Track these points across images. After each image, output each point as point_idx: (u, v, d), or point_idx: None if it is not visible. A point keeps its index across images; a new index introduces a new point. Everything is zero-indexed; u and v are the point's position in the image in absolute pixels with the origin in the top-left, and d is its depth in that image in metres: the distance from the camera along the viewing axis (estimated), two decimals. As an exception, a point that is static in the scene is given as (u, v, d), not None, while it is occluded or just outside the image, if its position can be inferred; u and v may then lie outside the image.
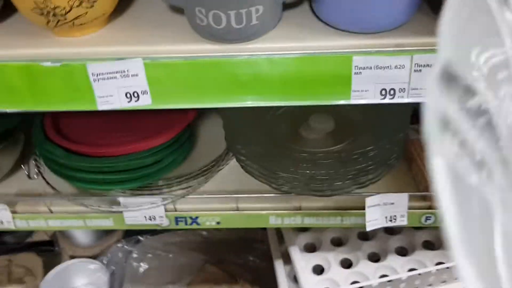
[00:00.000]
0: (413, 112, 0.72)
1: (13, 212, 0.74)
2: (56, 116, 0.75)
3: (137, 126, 0.73)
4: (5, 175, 0.78)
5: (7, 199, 0.74)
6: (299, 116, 0.77)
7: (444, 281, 0.81)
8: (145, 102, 0.53)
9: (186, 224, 0.74)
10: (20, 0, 0.49)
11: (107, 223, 0.75)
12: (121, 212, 0.72)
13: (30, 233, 1.12)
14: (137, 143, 0.67)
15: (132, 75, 0.51)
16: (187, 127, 0.73)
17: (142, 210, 0.71)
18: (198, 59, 0.50)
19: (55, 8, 0.48)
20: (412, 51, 0.49)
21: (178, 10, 0.55)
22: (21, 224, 0.75)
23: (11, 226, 0.75)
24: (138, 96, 0.53)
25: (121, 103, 0.53)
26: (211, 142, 0.79)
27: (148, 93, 0.52)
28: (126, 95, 0.53)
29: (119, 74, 0.51)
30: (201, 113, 0.85)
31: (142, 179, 0.68)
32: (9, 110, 0.53)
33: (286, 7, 0.54)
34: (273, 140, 0.73)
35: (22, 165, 0.80)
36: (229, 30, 0.48)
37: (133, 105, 0.53)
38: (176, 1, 0.52)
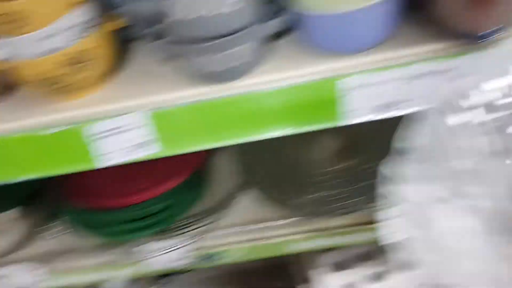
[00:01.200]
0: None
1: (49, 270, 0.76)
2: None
3: (150, 171, 0.74)
4: (34, 235, 0.81)
5: (39, 258, 0.77)
6: (305, 138, 0.77)
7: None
8: (152, 151, 0.54)
9: (210, 260, 0.75)
10: (17, 75, 0.51)
11: (134, 270, 0.76)
12: (146, 258, 0.73)
13: None
14: (147, 190, 0.68)
15: (133, 128, 0.53)
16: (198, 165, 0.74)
17: (165, 254, 0.72)
18: (192, 104, 0.51)
19: (46, 78, 0.50)
20: (399, 64, 0.48)
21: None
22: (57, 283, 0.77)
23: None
24: (143, 147, 0.54)
25: (124, 157, 0.55)
26: (225, 175, 0.80)
27: (154, 142, 0.54)
28: (128, 148, 0.54)
29: (120, 129, 0.53)
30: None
31: (157, 224, 0.69)
32: (17, 179, 0.56)
33: (278, 36, 0.55)
34: (281, 166, 0.73)
35: (47, 225, 0.83)
36: (214, 73, 0.50)
37: (139, 156, 0.55)
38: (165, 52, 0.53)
